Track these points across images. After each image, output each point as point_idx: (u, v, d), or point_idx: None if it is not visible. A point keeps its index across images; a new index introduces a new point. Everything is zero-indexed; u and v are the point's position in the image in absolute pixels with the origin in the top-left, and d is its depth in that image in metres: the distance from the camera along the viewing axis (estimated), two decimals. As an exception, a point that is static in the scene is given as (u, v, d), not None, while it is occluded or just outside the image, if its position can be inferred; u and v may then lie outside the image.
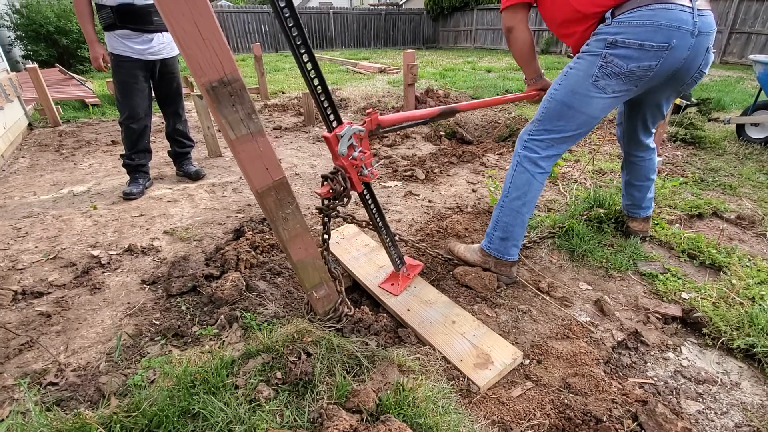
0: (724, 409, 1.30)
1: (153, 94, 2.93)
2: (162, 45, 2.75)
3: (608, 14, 1.42)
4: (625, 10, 1.37)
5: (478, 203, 2.68)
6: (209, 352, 1.40)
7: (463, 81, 7.27)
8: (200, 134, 3.87)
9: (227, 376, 1.26)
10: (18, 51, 8.10)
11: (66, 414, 1.14)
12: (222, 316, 1.57)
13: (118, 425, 1.09)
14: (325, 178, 1.37)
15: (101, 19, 2.56)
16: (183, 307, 1.68)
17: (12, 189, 3.00)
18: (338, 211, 1.47)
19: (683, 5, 1.34)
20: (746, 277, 1.80)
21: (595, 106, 1.51)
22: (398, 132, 4.30)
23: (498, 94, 6.05)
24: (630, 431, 1.17)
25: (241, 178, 3.25)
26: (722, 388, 1.37)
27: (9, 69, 4.39)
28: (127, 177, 3.08)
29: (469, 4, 16.37)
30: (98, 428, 1.08)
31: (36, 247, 2.22)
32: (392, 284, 1.76)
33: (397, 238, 1.88)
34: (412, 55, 4.70)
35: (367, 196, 1.55)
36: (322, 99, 1.27)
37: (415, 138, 4.22)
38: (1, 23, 7.46)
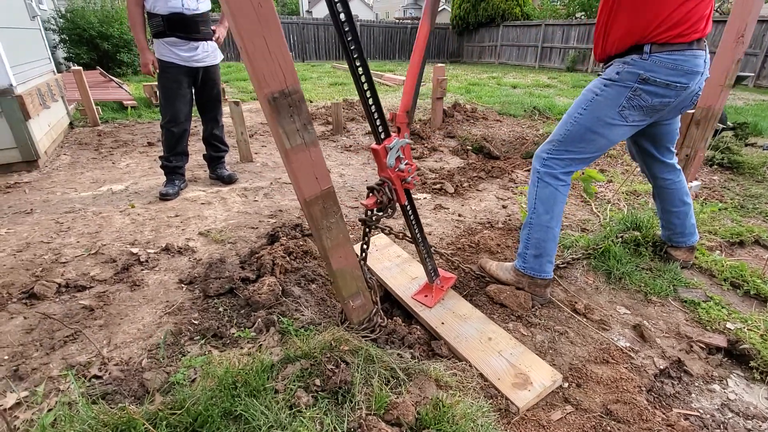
0: (776, 448, 1.24)
1: (194, 100, 3.02)
2: (206, 53, 2.85)
3: (648, 48, 1.44)
4: (663, 51, 1.44)
5: (509, 219, 2.66)
6: (248, 354, 1.42)
7: (489, 96, 7.28)
8: (233, 139, 3.96)
9: (267, 379, 1.28)
10: (61, 53, 8.49)
11: (112, 408, 1.16)
12: (259, 320, 1.58)
13: (163, 422, 1.11)
14: (371, 189, 1.39)
15: (152, 26, 2.68)
16: (221, 309, 1.71)
17: (54, 185, 3.12)
18: (378, 224, 1.49)
19: (701, 51, 1.48)
20: (795, 310, 1.73)
21: (616, 133, 1.59)
22: (426, 145, 4.31)
23: (525, 111, 6.03)
24: (678, 464, 1.13)
25: (272, 183, 3.31)
26: (773, 426, 1.31)
27: (55, 70, 4.60)
28: (163, 178, 3.18)
29: (495, 20, 16.46)
30: (144, 424, 1.10)
31: (78, 241, 2.29)
32: (426, 296, 1.76)
33: (431, 250, 1.88)
34: (442, 69, 4.74)
35: (408, 208, 1.56)
36: (373, 111, 1.29)
37: (442, 151, 4.23)
38: (48, 26, 7.85)
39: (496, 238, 2.34)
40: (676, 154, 2.00)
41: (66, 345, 1.51)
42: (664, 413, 1.32)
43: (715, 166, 3.66)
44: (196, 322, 1.65)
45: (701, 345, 1.59)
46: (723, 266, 2.02)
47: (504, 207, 2.89)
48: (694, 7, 1.40)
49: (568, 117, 1.65)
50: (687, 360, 1.53)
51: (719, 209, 2.72)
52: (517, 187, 3.24)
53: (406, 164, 1.38)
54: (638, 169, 2.15)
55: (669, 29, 1.41)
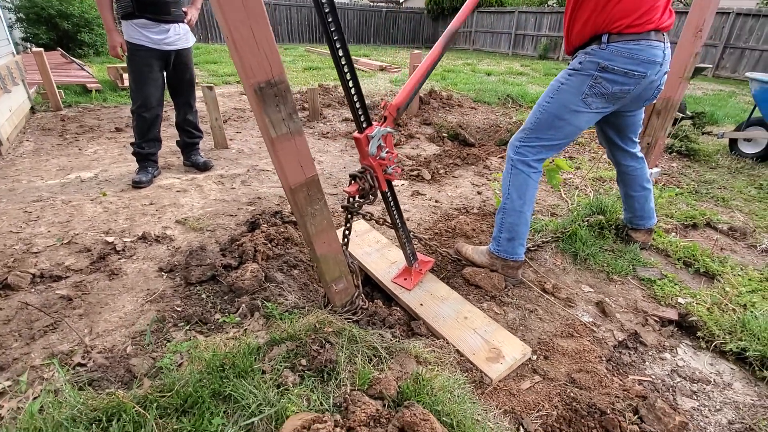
0: (718, 407, 1.40)
1: (165, 85, 2.94)
2: (178, 36, 2.77)
3: (605, 38, 1.53)
4: (619, 41, 1.52)
5: (484, 205, 2.76)
6: (234, 338, 1.46)
7: (464, 83, 7.36)
8: (207, 125, 3.88)
9: (254, 361, 1.32)
10: (18, 33, 7.96)
11: (99, 394, 1.18)
12: (243, 305, 1.62)
13: (153, 405, 1.14)
14: (353, 177, 1.43)
15: (120, 8, 2.58)
16: (203, 296, 1.73)
17: (19, 173, 3.00)
18: (360, 211, 1.54)
19: (660, 42, 1.56)
20: (738, 286, 1.91)
21: (581, 119, 1.68)
22: (403, 132, 4.36)
23: (499, 98, 6.15)
24: (632, 423, 1.26)
25: (248, 170, 3.28)
26: (715, 388, 1.47)
27: (14, 52, 4.34)
28: (134, 165, 3.10)
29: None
30: (134, 407, 1.13)
31: (49, 231, 2.24)
32: (405, 279, 1.83)
33: (410, 234, 1.95)
34: (419, 56, 4.77)
35: (389, 195, 1.62)
36: (355, 101, 1.33)
37: (419, 138, 4.29)
38: (2, 4, 7.32)
39: (471, 223, 2.43)
40: (639, 143, 2.13)
41: (46, 335, 1.50)
42: (621, 380, 1.45)
43: (674, 154, 3.88)
44: (179, 309, 1.67)
45: (655, 318, 1.74)
46: (677, 247, 2.19)
47: (479, 193, 2.99)
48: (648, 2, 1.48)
49: (538, 106, 1.74)
50: (642, 332, 1.67)
51: (676, 194, 2.91)
52: (491, 174, 3.35)
53: (387, 152, 1.43)
54: (605, 155, 2.27)
55: (621, 19, 1.49)
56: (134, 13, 2.57)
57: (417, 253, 1.91)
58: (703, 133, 4.61)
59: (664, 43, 1.60)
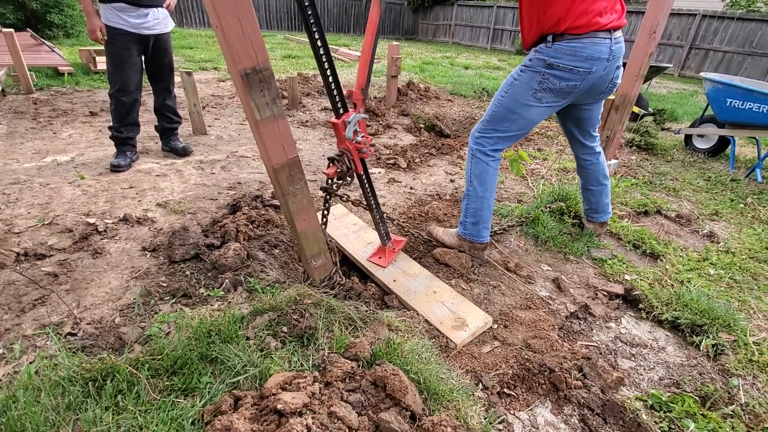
0: (651, 366, 1.60)
1: (144, 69, 2.95)
2: (157, 20, 2.79)
3: (550, 37, 1.66)
4: (563, 40, 1.64)
5: (456, 192, 2.92)
6: (219, 310, 1.56)
7: (441, 76, 7.50)
8: (185, 111, 3.89)
9: (239, 329, 1.43)
10: (-19, 12, 7.60)
11: (92, 359, 1.27)
12: (227, 281, 1.72)
13: (145, 366, 1.24)
14: (331, 159, 1.54)
15: (98, -10, 2.57)
16: (187, 272, 1.81)
17: (-9, 155, 2.96)
18: (337, 192, 1.65)
19: (604, 38, 1.65)
20: (678, 265, 2.14)
21: (533, 113, 1.79)
22: (380, 122, 4.47)
23: (475, 92, 6.32)
24: (576, 379, 1.44)
25: (228, 156, 3.33)
26: (651, 351, 1.67)
27: (-22, 30, 4.20)
28: (111, 149, 3.11)
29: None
30: (127, 368, 1.23)
31: (29, 212, 2.25)
32: (380, 258, 1.96)
33: (384, 216, 2.08)
34: (397, 48, 4.86)
35: (364, 177, 1.74)
36: (333, 87, 1.43)
37: (396, 129, 4.41)
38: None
39: (443, 209, 2.58)
40: (598, 138, 2.29)
41: (35, 308, 1.56)
42: (570, 345, 1.63)
43: (634, 148, 4.15)
44: (164, 284, 1.75)
45: (604, 293, 1.94)
46: (628, 231, 2.41)
47: (452, 181, 3.15)
48: (580, 3, 1.58)
49: (494, 99, 1.86)
50: (592, 305, 1.87)
51: (632, 184, 3.15)
52: (464, 164, 3.50)
53: (362, 137, 1.54)
54: (569, 148, 2.43)
55: (559, 23, 1.60)
56: (113, -3, 2.57)
57: (391, 233, 2.04)
58: (662, 129, 4.91)
59: (610, 39, 1.67)
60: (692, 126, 4.27)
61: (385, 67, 6.14)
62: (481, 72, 8.72)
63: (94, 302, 1.63)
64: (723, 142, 4.08)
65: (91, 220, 2.22)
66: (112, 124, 2.94)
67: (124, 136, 2.95)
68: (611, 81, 1.80)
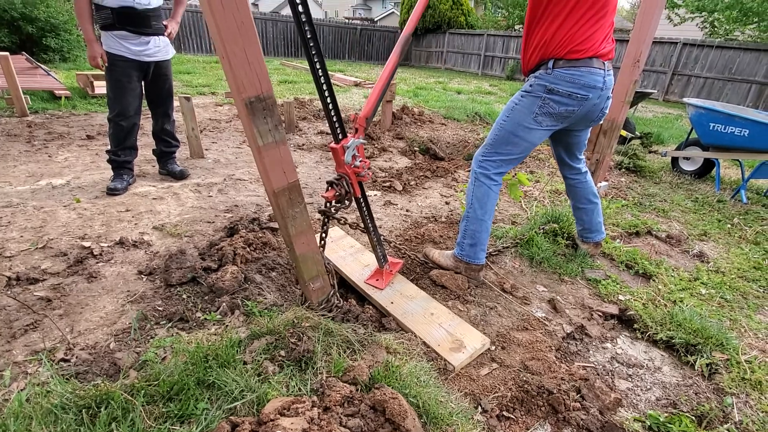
0: (648, 387, 1.60)
1: (143, 94, 3.00)
2: (158, 48, 2.85)
3: (551, 63, 1.75)
4: (562, 67, 1.74)
5: (451, 214, 2.96)
6: (216, 334, 1.55)
7: (435, 101, 7.68)
8: (183, 135, 3.93)
9: (236, 353, 1.42)
10: (-24, 35, 7.71)
11: (86, 385, 1.25)
12: (224, 304, 1.71)
13: (141, 392, 1.22)
14: (330, 183, 1.57)
15: (100, 18, 2.64)
16: (184, 296, 1.80)
17: (-14, 178, 2.96)
18: (336, 215, 1.68)
19: (599, 68, 1.76)
20: (670, 285, 2.17)
21: (534, 136, 1.87)
22: (376, 146, 4.54)
23: (468, 116, 6.47)
24: (574, 401, 1.44)
25: (225, 179, 3.36)
26: (647, 371, 1.68)
27: (-23, 55, 4.25)
28: (108, 172, 3.12)
29: (441, 27, 17.15)
30: (122, 394, 1.21)
31: (21, 236, 2.24)
32: (377, 280, 1.97)
33: (381, 238, 2.10)
34: (391, 73, 4.99)
35: (362, 201, 1.77)
36: (332, 114, 1.48)
37: (391, 152, 4.48)
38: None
39: (439, 231, 2.61)
40: (588, 159, 2.37)
41: (27, 333, 1.54)
42: (567, 366, 1.64)
43: (624, 170, 4.25)
44: (160, 308, 1.74)
45: (599, 313, 1.96)
46: (621, 251, 2.45)
47: (447, 203, 3.19)
48: (578, 29, 1.68)
49: (497, 124, 1.94)
50: (588, 325, 1.88)
51: (623, 206, 3.21)
52: (459, 186, 3.56)
53: (360, 161, 1.58)
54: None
55: (563, 46, 1.70)
56: (114, 25, 2.64)
57: (388, 256, 2.06)
58: (650, 152, 5.05)
59: (604, 70, 1.80)
60: (678, 149, 4.40)
61: (379, 92, 6.28)
62: (473, 96, 8.94)
63: (89, 327, 1.62)
64: (708, 164, 4.20)
65: (86, 244, 2.21)
66: (109, 147, 2.97)
67: (121, 160, 2.97)
68: (601, 110, 1.90)
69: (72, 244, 2.21)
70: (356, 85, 9.30)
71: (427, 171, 3.88)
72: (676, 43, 11.34)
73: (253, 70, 1.14)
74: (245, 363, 1.40)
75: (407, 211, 2.98)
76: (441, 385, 1.45)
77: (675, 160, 4.47)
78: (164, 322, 1.65)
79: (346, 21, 21.55)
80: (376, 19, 31.66)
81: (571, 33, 1.69)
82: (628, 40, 2.73)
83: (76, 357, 1.44)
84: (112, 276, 1.97)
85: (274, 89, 7.75)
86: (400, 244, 2.32)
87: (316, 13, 42.42)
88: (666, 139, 5.92)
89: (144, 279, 1.95)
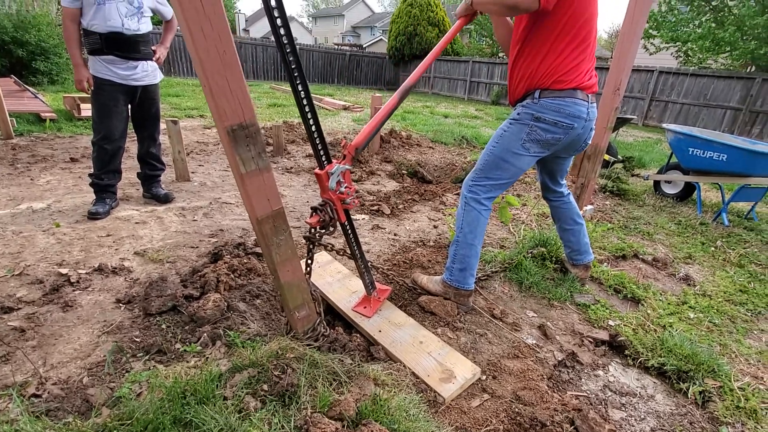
0: (642, 416, 1.57)
1: (129, 117, 2.98)
2: (146, 72, 2.85)
3: (537, 93, 1.80)
4: (548, 96, 1.79)
5: (440, 238, 2.95)
6: (195, 367, 1.48)
7: (423, 124, 7.80)
8: (168, 157, 3.89)
9: (216, 388, 1.35)
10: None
11: (56, 423, 1.17)
12: (205, 334, 1.65)
13: (113, 432, 1.15)
14: (314, 209, 1.55)
15: (88, 43, 2.64)
16: (163, 326, 1.73)
17: (-38, 202, 2.86)
18: (321, 241, 1.65)
19: (583, 100, 1.82)
20: (659, 309, 2.17)
21: (522, 161, 1.90)
22: (364, 169, 4.56)
23: (455, 139, 6.57)
24: (568, 433, 1.39)
25: (211, 203, 3.31)
26: (641, 400, 1.65)
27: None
28: (90, 196, 3.06)
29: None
30: (93, 435, 1.14)
31: (-4, 263, 2.16)
32: (365, 307, 1.93)
33: (368, 264, 2.07)
34: (379, 99, 5.07)
35: (347, 226, 1.74)
36: (317, 140, 1.47)
37: (379, 175, 4.50)
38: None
39: (427, 255, 2.59)
40: (573, 183, 2.40)
41: (-5, 367, 1.45)
42: (560, 396, 1.60)
43: (608, 193, 4.32)
44: (137, 339, 1.66)
45: (590, 339, 1.94)
46: (608, 275, 2.45)
47: (435, 227, 3.18)
48: (561, 61, 1.73)
49: (486, 149, 1.97)
50: (579, 352, 1.85)
51: (608, 229, 3.24)
52: (447, 209, 3.57)
53: (345, 187, 1.57)
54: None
55: (548, 76, 1.75)
56: (102, 50, 2.63)
57: (376, 282, 2.02)
58: (632, 176, 5.16)
59: (588, 102, 1.86)
60: (660, 172, 4.50)
61: (368, 116, 6.36)
62: (459, 121, 9.11)
63: (62, 360, 1.53)
64: (689, 188, 4.30)
65: (64, 270, 2.13)
66: (93, 171, 2.91)
67: (104, 183, 2.91)
68: (584, 140, 1.96)
69: (49, 270, 2.13)
70: (345, 108, 9.41)
71: (415, 194, 3.89)
72: (653, 70, 11.82)
73: (236, 97, 1.13)
74: (225, 399, 1.33)
75: (395, 235, 2.96)
76: (431, 418, 1.40)
77: (657, 184, 4.56)
78: (141, 354, 1.58)
79: (336, 47, 22.04)
80: (364, 46, 32.46)
81: (554, 65, 1.74)
82: (607, 68, 2.82)
83: (48, 392, 1.36)
84: (89, 305, 1.89)
85: (264, 113, 7.81)
86: (388, 270, 2.29)
87: (306, 39, 43.41)
88: (647, 162, 6.07)
89: (122, 308, 1.87)
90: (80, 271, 2.14)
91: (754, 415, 1.55)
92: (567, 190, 2.27)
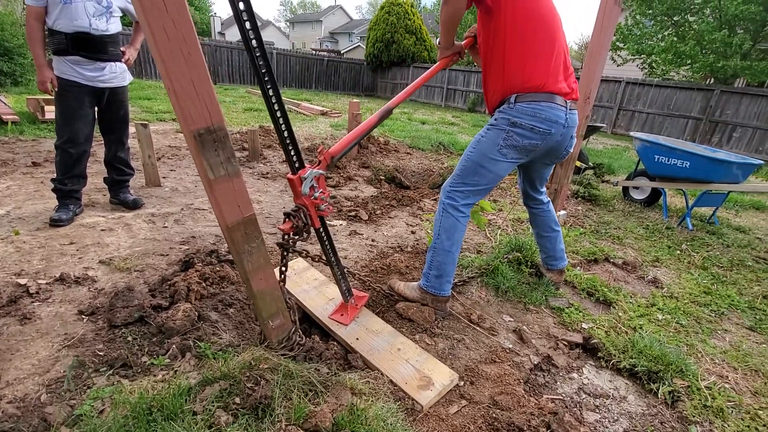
0: (615, 418, 1.60)
1: (96, 120, 2.86)
2: (114, 74, 2.75)
3: (513, 98, 1.82)
4: (524, 101, 1.80)
5: (417, 244, 2.95)
6: (163, 381, 1.42)
7: (400, 130, 7.84)
8: (138, 162, 3.76)
9: (185, 402, 1.30)
10: None
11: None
12: (174, 346, 1.58)
13: (71, 454, 1.08)
14: (287, 215, 1.52)
15: (52, 44, 2.52)
16: (129, 338, 1.65)
17: None
18: (295, 247, 1.61)
19: (561, 105, 1.83)
20: (629, 311, 2.23)
21: (499, 167, 1.91)
22: (342, 174, 4.53)
23: (432, 145, 6.63)
24: (544, 437, 1.40)
25: (182, 209, 3.21)
26: (614, 401, 1.68)
27: None
28: (53, 202, 2.91)
29: (405, 60, 17.79)
30: (48, 458, 1.06)
31: (-55, 274, 2.02)
32: (342, 315, 1.90)
33: (345, 271, 2.04)
34: (357, 104, 5.07)
35: (322, 232, 1.72)
36: (288, 145, 1.44)
37: (357, 181, 4.48)
38: None
39: (405, 261, 2.58)
40: (546, 188, 2.44)
41: (-61, 388, 1.35)
42: (536, 399, 1.61)
43: (580, 199, 4.44)
44: (101, 353, 1.58)
45: (564, 342, 1.97)
46: (582, 279, 2.50)
47: (413, 232, 3.18)
48: (523, 62, 1.76)
49: (464, 155, 1.97)
50: (554, 355, 1.88)
51: (581, 234, 3.33)
52: (424, 215, 3.58)
53: (320, 192, 1.54)
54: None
55: (517, 82, 1.78)
56: (68, 50, 2.53)
57: (353, 289, 2.00)
58: (602, 182, 5.33)
59: (566, 108, 1.85)
60: (628, 179, 4.67)
61: (346, 122, 6.34)
62: (437, 127, 9.21)
63: (18, 376, 1.44)
64: (655, 193, 4.47)
65: (23, 281, 2.01)
66: (56, 176, 2.78)
67: (68, 189, 2.78)
68: (566, 148, 1.97)
69: (6, 281, 2.00)
70: (323, 114, 9.37)
71: (392, 200, 3.89)
72: (621, 81, 12.30)
73: (202, 100, 1.09)
74: (195, 413, 1.27)
75: (373, 240, 2.95)
76: (409, 427, 1.38)
77: (626, 189, 4.73)
78: (104, 368, 1.49)
79: (314, 52, 21.97)
80: (342, 52, 32.52)
81: (516, 67, 1.77)
82: (578, 78, 2.91)
83: (3, 412, 1.27)
84: (49, 317, 1.78)
85: (239, 117, 7.69)
86: (365, 276, 2.27)
87: (284, 44, 43.10)
88: (616, 169, 6.29)
89: (85, 320, 1.78)
90: (40, 282, 2.03)
91: (720, 413, 1.61)
92: (547, 198, 2.30)
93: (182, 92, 1.06)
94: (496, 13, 1.75)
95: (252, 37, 1.16)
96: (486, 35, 1.85)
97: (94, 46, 2.59)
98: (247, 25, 1.13)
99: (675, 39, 11.84)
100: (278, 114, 1.34)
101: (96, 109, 2.82)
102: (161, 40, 0.97)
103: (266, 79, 1.25)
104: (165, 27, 0.96)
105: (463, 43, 2.14)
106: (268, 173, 4.43)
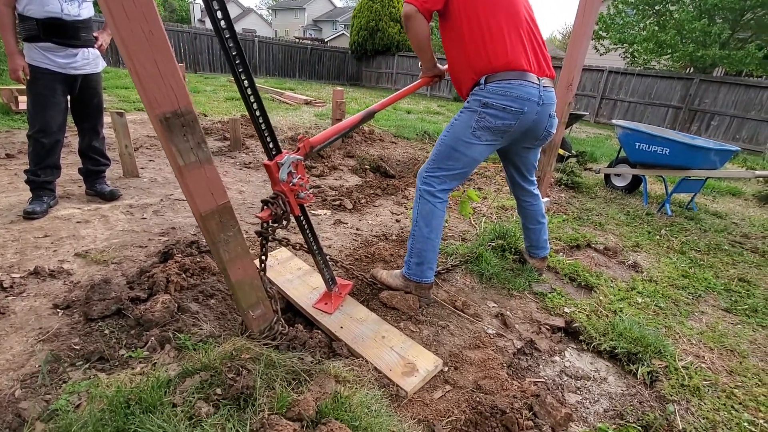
0: (596, 399, 1.63)
1: (69, 109, 2.75)
2: (86, 61, 2.64)
3: (482, 80, 1.81)
4: (493, 81, 1.78)
5: (402, 232, 2.94)
6: (141, 373, 1.39)
7: (385, 120, 7.78)
8: (115, 152, 3.65)
9: (164, 395, 1.27)
10: None
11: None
12: (153, 338, 1.54)
13: (44, 450, 1.05)
14: (265, 202, 1.48)
15: (23, 30, 2.40)
16: (106, 331, 1.61)
17: None
18: (275, 236, 1.58)
19: (532, 82, 1.79)
20: (610, 295, 2.27)
21: (474, 150, 1.88)
22: (326, 164, 4.48)
23: (417, 134, 6.60)
24: (527, 419, 1.42)
25: (162, 200, 3.13)
26: (594, 383, 1.72)
27: None
28: (27, 194, 2.80)
29: (390, 49, 17.62)
30: (21, 454, 1.03)
31: None
32: (326, 303, 1.88)
33: (328, 258, 2.02)
34: (341, 93, 5.00)
35: (303, 220, 1.69)
36: (263, 129, 1.40)
37: (342, 170, 4.44)
38: None
39: (390, 249, 2.57)
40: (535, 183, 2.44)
41: None
42: (519, 383, 1.63)
43: (563, 186, 4.49)
44: (77, 347, 1.53)
45: (547, 327, 1.99)
46: (564, 264, 2.53)
47: (397, 221, 3.17)
48: (493, 46, 1.75)
49: (439, 139, 1.95)
50: (537, 339, 1.90)
51: (563, 220, 3.37)
52: (409, 203, 3.57)
53: (299, 179, 1.51)
54: (506, 187, 2.57)
55: (478, 61, 1.78)
56: (39, 36, 2.41)
57: (337, 277, 1.98)
58: (585, 169, 5.39)
59: (539, 85, 1.81)
60: (610, 166, 4.73)
61: (330, 111, 6.26)
62: (422, 116, 9.17)
63: (-13, 374, 1.39)
64: (636, 180, 4.55)
65: (-7, 276, 1.94)
66: (28, 167, 2.68)
67: (41, 180, 2.68)
68: (546, 129, 1.93)
69: (-26, 276, 1.93)
70: (307, 103, 9.24)
71: (377, 189, 3.87)
72: (603, 70, 12.42)
73: (167, 83, 1.05)
74: (175, 405, 1.25)
75: (357, 229, 2.93)
76: (393, 413, 1.39)
77: (607, 177, 4.79)
78: (81, 362, 1.45)
79: (297, 40, 21.59)
80: (326, 40, 32.02)
81: (480, 51, 1.77)
82: (561, 67, 2.91)
83: (-33, 411, 1.22)
84: (23, 311, 1.73)
85: (221, 106, 7.52)
86: (349, 265, 2.25)
87: (266, 32, 42.19)
88: (599, 157, 6.37)
89: (60, 314, 1.73)
90: (14, 275, 1.96)
91: (697, 392, 1.65)
92: (537, 191, 2.28)
93: (145, 74, 1.01)
94: (450, 9, 1.77)
95: (220, 16, 1.11)
96: (445, 34, 1.86)
97: (65, 32, 2.48)
98: (215, 4, 1.09)
99: (656, 28, 11.97)
100: (252, 99, 1.30)
101: (69, 97, 2.72)
102: (120, 18, 0.92)
103: (237, 62, 1.21)
104: (123, 4, 0.92)
105: (445, 67, 2.12)
106: (250, 163, 4.35)
